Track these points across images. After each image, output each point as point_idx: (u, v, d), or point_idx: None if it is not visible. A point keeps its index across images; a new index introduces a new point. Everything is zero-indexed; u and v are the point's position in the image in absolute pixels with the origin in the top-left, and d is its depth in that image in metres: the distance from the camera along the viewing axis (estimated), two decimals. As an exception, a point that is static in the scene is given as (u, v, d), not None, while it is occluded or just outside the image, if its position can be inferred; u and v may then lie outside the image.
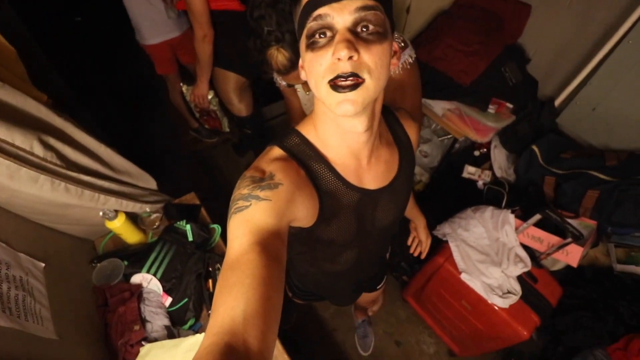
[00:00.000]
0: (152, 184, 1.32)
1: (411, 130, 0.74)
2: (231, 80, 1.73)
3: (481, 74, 1.64)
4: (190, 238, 1.21)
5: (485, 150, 1.83)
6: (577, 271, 1.42)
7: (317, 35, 0.48)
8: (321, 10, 0.46)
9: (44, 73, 1.65)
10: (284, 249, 0.47)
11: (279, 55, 0.93)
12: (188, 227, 1.23)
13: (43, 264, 0.89)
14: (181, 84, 2.05)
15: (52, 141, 0.85)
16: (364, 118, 0.54)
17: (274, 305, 0.40)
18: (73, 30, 2.65)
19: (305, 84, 1.21)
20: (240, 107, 1.87)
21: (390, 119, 0.72)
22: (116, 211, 1.13)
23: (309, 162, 0.59)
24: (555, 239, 1.34)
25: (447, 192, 1.91)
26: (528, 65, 1.73)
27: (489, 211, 1.48)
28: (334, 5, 0.45)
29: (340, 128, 0.56)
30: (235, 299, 0.38)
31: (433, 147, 2.03)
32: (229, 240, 0.46)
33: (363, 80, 0.47)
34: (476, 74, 1.63)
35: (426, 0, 1.69)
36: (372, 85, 0.48)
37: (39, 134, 0.80)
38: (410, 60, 1.05)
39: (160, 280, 1.08)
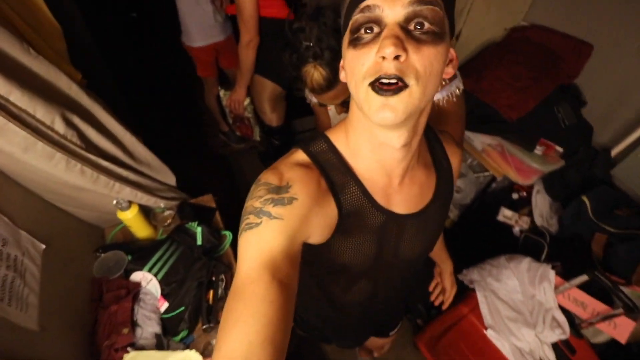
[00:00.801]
0: (171, 179, 1.28)
1: (454, 157, 0.65)
2: (267, 89, 1.72)
3: (530, 112, 1.52)
4: (199, 242, 1.15)
5: (525, 194, 1.68)
6: (623, 346, 1.23)
7: (362, 30, 0.42)
8: (371, 1, 0.40)
9: (88, 54, 1.70)
10: (295, 272, 0.44)
11: (315, 73, 0.86)
12: (199, 229, 1.17)
13: (43, 246, 0.85)
14: (219, 88, 2.08)
15: (76, 120, 0.83)
16: (403, 131, 0.47)
17: (276, 346, 0.37)
18: (128, 25, 2.82)
19: (338, 106, 1.14)
20: (272, 117, 1.85)
21: (432, 140, 0.63)
22: (130, 202, 1.09)
23: (333, 173, 0.53)
24: (601, 307, 1.16)
25: (478, 234, 1.76)
26: (583, 108, 1.60)
27: (525, 262, 1.32)
28: None
29: (375, 139, 0.49)
30: (237, 340, 0.36)
31: (467, 183, 1.90)
32: (239, 259, 0.44)
33: (407, 85, 0.40)
34: (524, 111, 1.51)
35: (477, 29, 1.61)
36: (417, 93, 0.41)
37: (63, 110, 0.77)
38: (457, 92, 0.98)
39: (160, 282, 1.02)
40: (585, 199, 1.40)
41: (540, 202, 1.60)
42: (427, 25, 0.40)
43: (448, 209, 0.68)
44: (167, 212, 1.27)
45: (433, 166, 0.61)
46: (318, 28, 0.81)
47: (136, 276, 1.02)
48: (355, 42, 0.42)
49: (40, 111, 0.72)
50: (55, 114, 0.75)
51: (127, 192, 1.05)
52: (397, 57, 0.39)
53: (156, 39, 3.12)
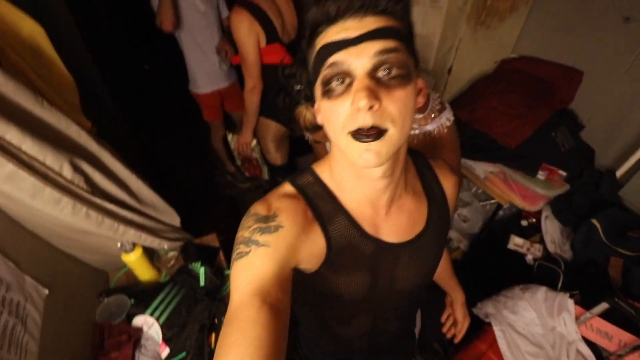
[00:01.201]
0: (175, 220, 1.30)
1: (447, 183, 0.65)
2: (272, 129, 1.79)
3: (528, 138, 1.54)
4: (202, 283, 1.14)
5: (534, 220, 1.64)
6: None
7: (333, 83, 0.43)
8: (337, 57, 0.42)
9: (101, 103, 1.81)
10: (287, 297, 0.45)
11: (307, 114, 0.93)
12: (202, 269, 1.16)
13: (47, 291, 0.85)
14: (226, 132, 2.17)
15: (84, 165, 0.86)
16: (385, 165, 0.48)
17: None
18: (140, 75, 3.03)
19: None
20: (276, 156, 1.91)
21: (421, 166, 0.64)
22: (134, 244, 1.10)
23: (320, 203, 0.54)
24: (627, 337, 1.09)
25: (489, 264, 1.70)
26: (582, 132, 1.61)
27: (541, 292, 1.27)
28: (351, 49, 0.41)
29: (356, 172, 0.51)
30: None
31: (473, 211, 1.87)
32: (231, 288, 0.45)
33: (386, 130, 0.42)
34: (522, 138, 1.53)
35: (468, 63, 1.68)
36: (396, 134, 0.43)
37: (71, 157, 0.81)
38: (447, 123, 1.01)
39: (162, 326, 1.00)
40: (595, 222, 1.36)
41: (551, 228, 1.56)
42: (394, 70, 0.42)
43: (446, 236, 0.67)
44: (171, 254, 1.27)
45: (423, 193, 0.61)
46: (308, 72, 0.88)
47: (138, 320, 1.01)
48: (329, 94, 0.44)
49: (50, 158, 0.76)
50: (64, 161, 0.79)
51: (132, 234, 1.06)
52: (371, 107, 0.40)
53: (166, 87, 3.33)
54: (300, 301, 0.67)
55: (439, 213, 0.62)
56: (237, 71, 2.13)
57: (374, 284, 0.59)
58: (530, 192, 1.53)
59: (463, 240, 2.03)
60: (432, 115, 0.98)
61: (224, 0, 1.93)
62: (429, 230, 0.60)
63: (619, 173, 1.45)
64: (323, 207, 0.54)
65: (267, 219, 0.49)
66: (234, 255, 0.47)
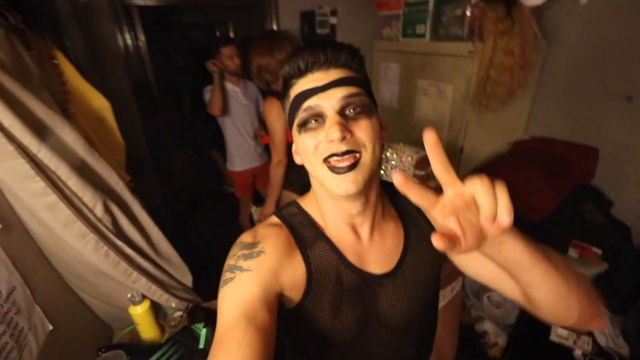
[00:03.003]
0: (187, 279, 1.32)
1: None
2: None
3: (553, 213, 1.48)
4: (202, 345, 1.10)
5: (576, 306, 1.44)
6: None
7: (308, 122, 0.50)
8: (310, 102, 0.50)
9: (145, 170, 2.08)
10: (272, 319, 0.46)
11: None
12: (204, 331, 1.14)
13: (51, 327, 0.88)
14: (251, 205, 2.32)
15: (114, 209, 0.98)
16: (361, 190, 0.51)
17: None
18: (186, 159, 3.50)
19: None
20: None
21: (394, 192, 0.64)
22: (143, 296, 1.12)
23: (302, 231, 0.58)
24: None
25: None
26: (612, 208, 1.52)
27: (594, 391, 1.05)
28: (321, 95, 0.49)
29: (333, 198, 0.55)
30: None
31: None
32: (218, 313, 0.47)
33: (360, 156, 0.48)
34: (546, 212, 1.48)
35: (478, 143, 1.77)
36: (368, 157, 0.49)
37: (105, 198, 0.93)
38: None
39: (152, 385, 0.94)
40: (647, 306, 1.18)
41: (598, 316, 1.35)
42: (358, 108, 0.50)
43: (437, 260, 0.63)
44: (177, 313, 1.26)
45: (399, 218, 0.62)
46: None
47: (130, 376, 0.96)
48: (305, 129, 0.51)
49: (88, 196, 0.88)
50: (98, 200, 0.91)
51: (143, 284, 1.09)
52: (344, 138, 0.47)
53: (206, 170, 3.79)
54: (294, 348, 0.65)
55: (416, 233, 0.62)
56: (268, 154, 2.40)
57: (363, 319, 0.57)
58: (564, 271, 1.39)
59: (501, 334, 1.78)
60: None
61: (261, 97, 2.31)
62: (409, 256, 0.59)
63: (662, 250, 1.31)
64: (305, 233, 0.58)
65: (251, 245, 0.53)
66: (220, 283, 0.50)
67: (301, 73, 0.52)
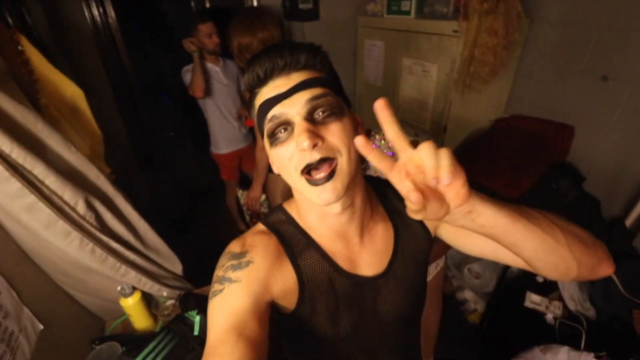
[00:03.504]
0: (177, 267, 1.32)
1: None
2: (280, 184, 1.88)
3: (530, 189, 1.55)
4: (196, 332, 1.12)
5: (549, 276, 1.55)
6: None
7: (277, 133, 0.48)
8: (275, 111, 0.47)
9: (125, 158, 2.01)
10: (263, 330, 0.46)
11: None
12: (197, 318, 1.15)
13: (42, 327, 0.87)
14: (237, 189, 2.30)
15: (97, 204, 0.95)
16: (343, 198, 0.50)
17: None
18: (166, 142, 3.37)
19: None
20: (284, 210, 1.97)
21: (382, 188, 0.65)
22: (133, 289, 1.12)
23: (291, 240, 0.57)
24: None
25: (508, 325, 1.57)
26: (584, 183, 1.61)
27: (563, 352, 1.15)
28: (285, 102, 0.47)
29: (318, 210, 0.54)
30: None
31: (485, 267, 1.79)
32: (208, 326, 0.47)
33: (336, 163, 0.46)
34: (523, 189, 1.54)
35: (461, 123, 1.79)
36: (345, 162, 0.47)
37: (87, 195, 0.90)
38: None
39: (149, 375, 0.96)
40: (612, 275, 1.28)
41: (568, 285, 1.46)
42: (327, 111, 0.47)
43: (425, 254, 0.64)
44: (169, 302, 1.26)
45: (388, 217, 0.62)
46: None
47: (127, 367, 0.97)
48: (275, 142, 0.49)
49: (68, 194, 0.85)
50: (80, 197, 0.88)
51: (132, 276, 1.09)
52: (315, 145, 0.45)
53: (189, 151, 3.67)
54: (294, 350, 0.65)
55: (405, 230, 0.62)
56: (253, 135, 2.35)
57: (360, 323, 0.58)
58: (539, 244, 1.48)
59: (479, 302, 1.90)
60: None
61: (242, 75, 2.23)
62: (399, 255, 0.60)
63: (627, 222, 1.40)
64: (294, 242, 0.57)
65: (239, 255, 0.52)
66: (210, 295, 0.50)
67: (261, 81, 0.49)
